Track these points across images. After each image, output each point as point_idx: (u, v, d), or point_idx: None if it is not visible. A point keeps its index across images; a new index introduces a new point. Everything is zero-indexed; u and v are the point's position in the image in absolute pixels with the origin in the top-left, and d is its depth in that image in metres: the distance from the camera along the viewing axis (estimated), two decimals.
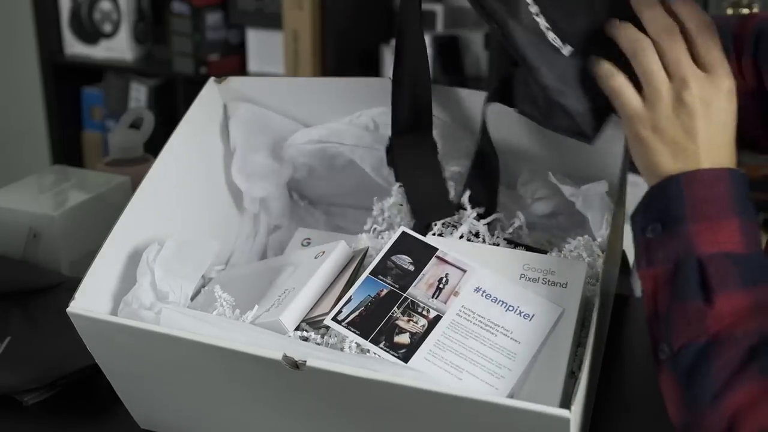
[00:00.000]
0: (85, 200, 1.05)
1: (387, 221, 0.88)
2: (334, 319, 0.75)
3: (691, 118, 0.65)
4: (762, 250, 0.64)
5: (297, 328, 0.77)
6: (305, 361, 0.65)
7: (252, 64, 2.45)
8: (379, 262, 0.79)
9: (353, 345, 0.73)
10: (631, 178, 0.85)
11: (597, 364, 0.82)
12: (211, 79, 0.96)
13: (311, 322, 0.78)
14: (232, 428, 0.77)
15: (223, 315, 0.79)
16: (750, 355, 0.60)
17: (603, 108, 0.71)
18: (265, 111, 0.96)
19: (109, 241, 0.79)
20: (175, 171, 0.88)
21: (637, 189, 0.74)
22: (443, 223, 0.86)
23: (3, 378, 0.84)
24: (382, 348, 0.73)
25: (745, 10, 1.87)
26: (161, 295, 0.79)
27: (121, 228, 0.80)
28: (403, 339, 0.73)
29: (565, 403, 0.65)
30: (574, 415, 0.61)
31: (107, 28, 2.57)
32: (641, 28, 0.68)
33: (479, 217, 0.87)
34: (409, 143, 0.87)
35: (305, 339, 0.76)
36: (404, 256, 0.79)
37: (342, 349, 0.73)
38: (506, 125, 0.86)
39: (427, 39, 0.87)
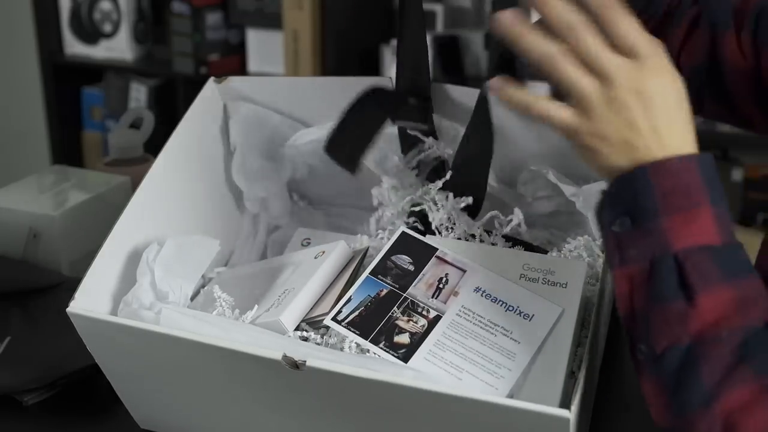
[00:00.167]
0: (85, 200, 1.05)
1: (389, 220, 0.88)
2: (334, 319, 0.75)
3: (629, 111, 0.60)
4: (736, 240, 0.61)
5: (297, 328, 0.77)
6: (305, 361, 0.65)
7: (252, 64, 2.45)
8: (379, 262, 0.79)
9: (353, 345, 0.73)
10: None
11: (597, 364, 0.82)
12: (211, 79, 0.96)
13: (311, 322, 0.78)
14: (232, 428, 0.77)
15: (223, 315, 0.79)
16: (739, 355, 0.58)
17: None
18: (265, 111, 0.96)
19: (109, 241, 0.79)
20: (175, 171, 0.88)
21: None
22: (442, 225, 0.86)
23: (3, 378, 0.84)
24: (382, 348, 0.73)
25: None
26: (161, 295, 0.79)
27: (121, 228, 0.80)
28: (403, 339, 0.73)
29: (565, 403, 0.65)
30: (573, 415, 0.61)
31: (107, 28, 2.57)
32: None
33: (468, 210, 0.86)
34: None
35: (305, 339, 0.76)
36: (404, 256, 0.79)
37: (342, 349, 0.73)
38: (507, 125, 0.86)
39: (427, 39, 0.87)
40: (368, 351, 0.73)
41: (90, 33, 2.59)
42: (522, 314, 0.74)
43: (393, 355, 0.72)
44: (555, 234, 0.90)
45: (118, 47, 2.57)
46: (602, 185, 0.83)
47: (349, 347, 0.73)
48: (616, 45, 0.61)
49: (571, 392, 0.65)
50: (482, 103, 0.82)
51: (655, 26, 0.87)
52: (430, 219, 0.86)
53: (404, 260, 0.79)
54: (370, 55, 2.39)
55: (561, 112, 0.63)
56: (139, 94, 2.61)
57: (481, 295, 0.75)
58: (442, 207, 0.86)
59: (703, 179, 0.60)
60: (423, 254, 0.79)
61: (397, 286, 0.77)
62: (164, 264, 0.80)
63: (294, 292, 0.78)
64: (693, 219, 0.60)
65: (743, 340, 0.58)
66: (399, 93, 0.87)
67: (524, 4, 0.64)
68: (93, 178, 1.12)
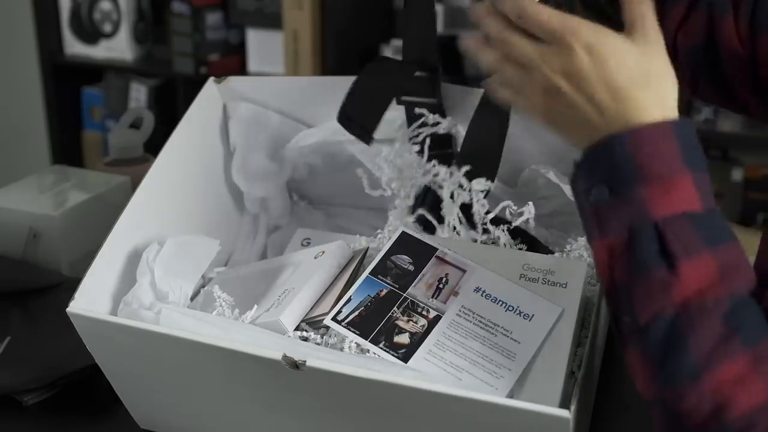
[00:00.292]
0: (85, 200, 1.05)
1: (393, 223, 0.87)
2: (334, 319, 0.75)
3: (564, 94, 0.62)
4: (717, 208, 0.60)
5: (297, 328, 0.77)
6: (305, 361, 0.65)
7: (252, 64, 2.45)
8: (379, 262, 0.79)
9: (353, 345, 0.73)
10: None
11: (597, 364, 0.82)
12: (211, 79, 0.96)
13: (311, 322, 0.78)
14: (232, 428, 0.77)
15: (223, 315, 0.79)
16: (727, 325, 0.57)
17: None
18: (265, 111, 0.96)
19: (109, 241, 0.79)
20: (175, 171, 0.88)
21: None
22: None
23: (3, 378, 0.84)
24: (381, 348, 0.73)
25: None
26: (161, 295, 0.79)
27: (121, 228, 0.80)
28: (403, 339, 0.73)
29: (565, 403, 0.65)
30: (573, 415, 0.61)
31: (107, 28, 2.57)
32: None
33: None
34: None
35: (305, 339, 0.76)
36: (404, 256, 0.79)
37: (342, 349, 0.73)
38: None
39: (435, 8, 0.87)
40: (368, 351, 0.73)
41: (90, 33, 2.59)
42: (522, 314, 0.74)
43: (393, 355, 0.72)
44: (555, 234, 0.90)
45: (118, 47, 2.57)
46: None
47: (349, 347, 0.73)
48: (539, 36, 0.63)
49: (571, 392, 0.65)
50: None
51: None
52: (449, 201, 0.84)
53: (404, 260, 0.79)
54: (370, 55, 2.39)
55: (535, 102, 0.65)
56: (139, 94, 2.61)
57: (481, 295, 0.75)
58: (462, 190, 0.84)
59: (681, 145, 0.60)
60: (423, 254, 0.79)
61: (397, 286, 0.77)
62: (164, 264, 0.80)
63: (294, 292, 0.78)
64: (672, 186, 0.59)
65: (730, 309, 0.57)
66: (406, 63, 0.85)
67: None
68: (93, 178, 1.12)
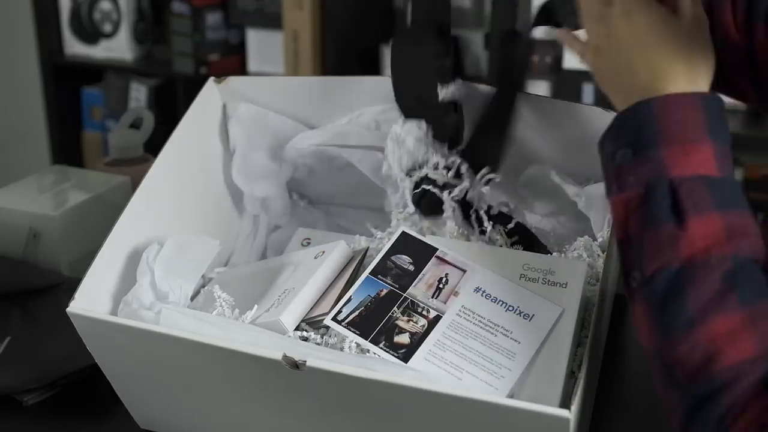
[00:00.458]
0: (85, 200, 1.05)
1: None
2: (334, 319, 0.75)
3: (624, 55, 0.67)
4: (735, 179, 0.63)
5: (297, 328, 0.77)
6: (305, 361, 0.65)
7: (252, 64, 2.45)
8: (379, 262, 0.79)
9: (353, 345, 0.73)
10: None
11: (597, 364, 0.82)
12: (211, 79, 0.96)
13: (311, 322, 0.78)
14: (232, 428, 0.77)
15: (223, 315, 0.79)
16: (727, 282, 0.58)
17: None
18: (265, 111, 0.96)
19: (109, 241, 0.79)
20: (175, 171, 0.88)
21: None
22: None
23: (3, 378, 0.84)
24: (382, 348, 0.73)
25: None
26: (161, 295, 0.79)
27: (121, 228, 0.80)
28: (403, 339, 0.73)
29: (565, 403, 0.65)
30: (573, 415, 0.61)
31: (107, 28, 2.57)
32: None
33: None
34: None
35: (305, 339, 0.76)
36: (404, 256, 0.79)
37: (342, 349, 0.73)
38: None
39: None
40: (368, 351, 0.73)
41: (90, 33, 2.59)
42: (522, 314, 0.74)
43: (393, 355, 0.72)
44: (555, 234, 0.90)
45: (118, 47, 2.57)
46: (603, 186, 0.84)
47: (349, 347, 0.73)
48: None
49: (571, 392, 0.65)
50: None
51: None
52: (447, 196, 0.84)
53: (404, 260, 0.79)
54: (370, 55, 2.39)
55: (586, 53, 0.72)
56: (139, 94, 2.61)
57: (481, 295, 0.75)
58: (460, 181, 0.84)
59: (707, 116, 0.62)
60: (423, 254, 0.79)
61: (397, 286, 0.77)
62: (164, 264, 0.80)
63: (294, 292, 0.78)
64: (693, 151, 0.61)
65: (732, 268, 0.59)
66: (417, 25, 0.85)
67: None
68: (93, 178, 1.12)
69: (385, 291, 0.76)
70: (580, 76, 2.17)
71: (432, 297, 0.76)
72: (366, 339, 0.73)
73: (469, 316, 0.74)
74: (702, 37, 0.67)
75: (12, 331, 0.91)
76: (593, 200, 0.84)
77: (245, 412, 0.74)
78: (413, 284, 0.77)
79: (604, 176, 0.66)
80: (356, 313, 0.75)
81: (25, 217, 1.02)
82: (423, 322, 0.74)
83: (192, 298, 0.84)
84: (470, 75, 0.90)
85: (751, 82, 0.80)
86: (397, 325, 0.74)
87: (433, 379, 0.69)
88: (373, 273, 0.78)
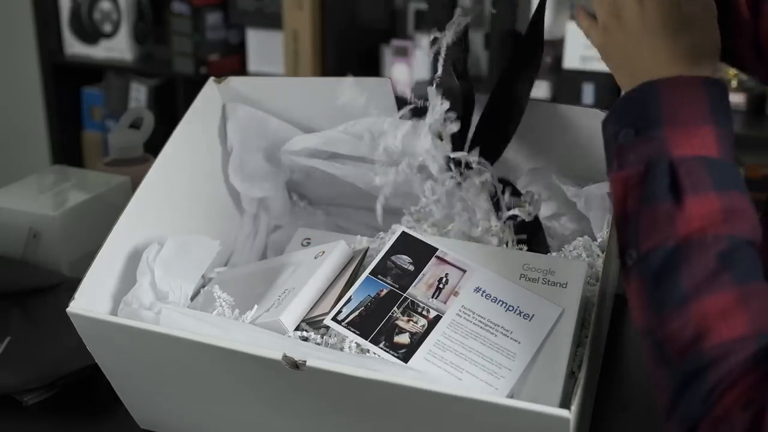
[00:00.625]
0: (85, 200, 1.05)
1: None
2: (334, 319, 0.75)
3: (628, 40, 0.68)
4: (735, 163, 0.63)
5: (297, 328, 0.77)
6: (305, 361, 0.65)
7: (252, 64, 2.45)
8: (379, 262, 0.79)
9: (353, 345, 0.73)
10: None
11: (597, 364, 0.82)
12: (211, 79, 0.96)
13: (311, 322, 0.78)
14: (232, 428, 0.77)
15: (223, 315, 0.79)
16: (721, 262, 0.58)
17: None
18: (263, 114, 0.96)
19: (109, 241, 0.79)
20: (175, 171, 0.88)
21: None
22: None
23: (3, 378, 0.84)
24: (382, 348, 0.73)
25: None
26: (161, 295, 0.79)
27: (121, 228, 0.80)
28: (403, 339, 0.73)
29: (565, 403, 0.65)
30: (573, 415, 0.61)
31: (107, 28, 2.57)
32: None
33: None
34: None
35: (305, 339, 0.76)
36: (404, 256, 0.79)
37: (342, 349, 0.73)
38: None
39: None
40: (368, 351, 0.73)
41: (90, 33, 2.59)
42: (522, 314, 0.74)
43: (393, 355, 0.72)
44: (555, 234, 0.90)
45: (118, 47, 2.57)
46: (603, 186, 0.84)
47: (349, 347, 0.73)
48: None
49: (571, 392, 0.65)
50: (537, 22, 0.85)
51: None
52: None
53: (404, 260, 0.79)
54: (370, 55, 2.39)
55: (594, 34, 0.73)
56: (139, 94, 2.61)
57: (481, 295, 0.75)
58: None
59: (710, 102, 0.63)
60: (423, 254, 0.79)
61: (397, 286, 0.77)
62: (164, 264, 0.80)
63: (294, 292, 0.78)
64: (694, 133, 0.62)
65: (727, 248, 0.59)
66: None
67: None
68: (93, 178, 1.12)
69: (385, 291, 0.76)
70: (580, 76, 2.17)
71: (432, 297, 0.76)
72: (366, 339, 0.73)
73: (469, 316, 0.74)
74: (710, 25, 0.68)
75: (12, 331, 0.91)
76: (593, 200, 0.84)
77: (245, 412, 0.74)
78: (413, 284, 0.77)
79: (605, 155, 0.66)
80: (356, 313, 0.75)
81: (25, 217, 1.02)
82: (423, 322, 0.74)
83: (192, 298, 0.84)
84: (470, 75, 0.90)
85: (756, 59, 0.80)
86: (397, 325, 0.74)
87: (433, 379, 0.69)
88: (373, 273, 0.78)
